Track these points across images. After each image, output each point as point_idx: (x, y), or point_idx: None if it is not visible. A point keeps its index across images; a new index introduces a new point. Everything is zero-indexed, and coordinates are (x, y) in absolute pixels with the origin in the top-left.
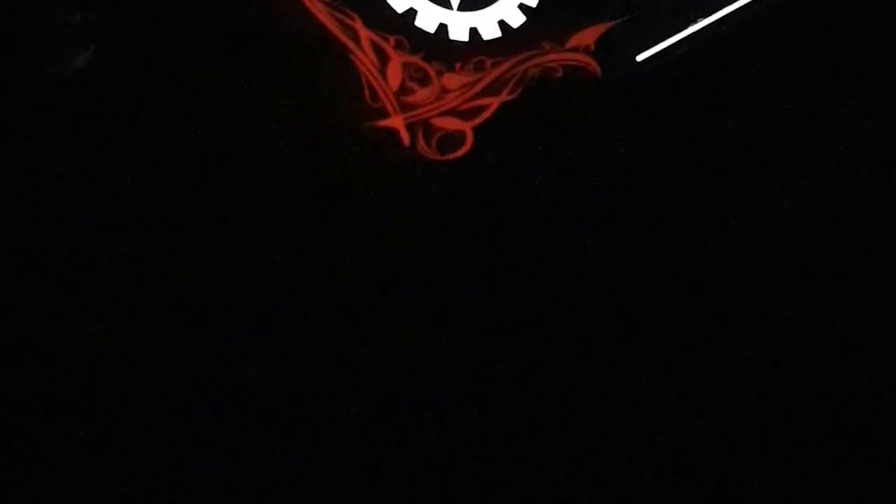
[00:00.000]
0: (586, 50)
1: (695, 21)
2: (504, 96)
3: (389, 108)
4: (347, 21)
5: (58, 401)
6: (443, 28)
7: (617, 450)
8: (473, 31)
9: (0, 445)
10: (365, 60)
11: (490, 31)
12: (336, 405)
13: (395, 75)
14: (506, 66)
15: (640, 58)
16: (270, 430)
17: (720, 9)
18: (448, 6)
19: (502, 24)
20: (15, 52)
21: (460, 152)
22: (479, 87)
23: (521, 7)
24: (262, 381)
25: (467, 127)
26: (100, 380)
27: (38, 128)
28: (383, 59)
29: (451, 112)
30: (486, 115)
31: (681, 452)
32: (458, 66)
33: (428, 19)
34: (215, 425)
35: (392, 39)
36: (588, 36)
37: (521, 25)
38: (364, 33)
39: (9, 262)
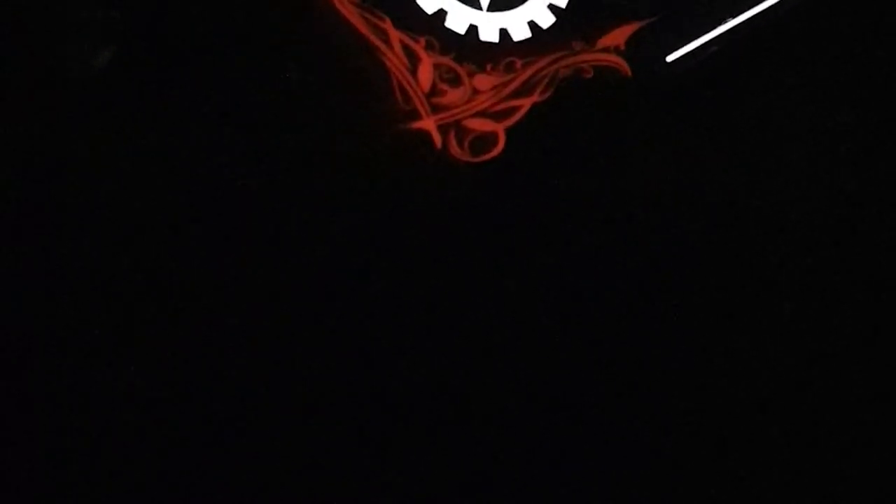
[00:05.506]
0: (617, 50)
1: (724, 21)
2: (536, 97)
3: (421, 109)
4: (378, 23)
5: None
6: (473, 29)
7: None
8: (504, 32)
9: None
10: (396, 62)
11: (520, 32)
12: (373, 405)
13: (426, 77)
14: (537, 66)
15: (670, 58)
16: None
17: (750, 9)
18: (478, 7)
19: (532, 25)
20: (38, 51)
21: (493, 153)
22: (510, 89)
23: (551, 7)
24: (300, 383)
25: (500, 128)
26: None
27: (60, 125)
28: (414, 60)
29: (482, 113)
30: (519, 115)
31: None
32: (489, 67)
33: (458, 20)
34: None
35: (422, 41)
36: (618, 36)
37: (552, 26)
38: (394, 35)
39: (23, 260)
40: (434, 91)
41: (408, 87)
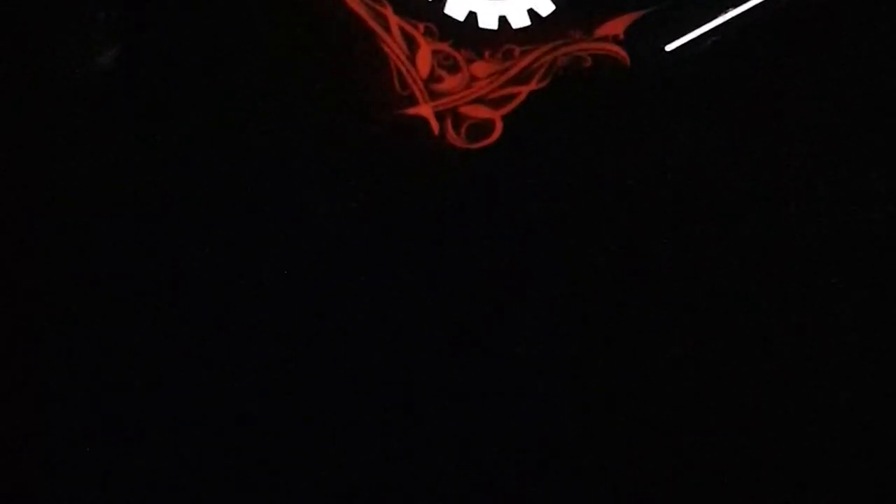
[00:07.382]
0: (615, 39)
1: (725, 10)
2: (533, 85)
3: (419, 95)
4: (378, 8)
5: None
6: (472, 16)
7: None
8: (503, 20)
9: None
10: (394, 48)
11: (519, 20)
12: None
13: (424, 63)
14: (535, 54)
15: (669, 47)
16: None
17: None
18: None
19: (531, 13)
20: (39, 50)
21: (489, 141)
22: (508, 76)
23: None
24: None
25: (496, 115)
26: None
27: (62, 126)
28: (413, 46)
29: (480, 100)
30: (516, 103)
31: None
32: (486, 54)
33: (457, 7)
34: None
35: (422, 27)
36: (617, 25)
37: (551, 14)
38: (394, 20)
39: (25, 261)
40: (432, 77)
41: (406, 73)
